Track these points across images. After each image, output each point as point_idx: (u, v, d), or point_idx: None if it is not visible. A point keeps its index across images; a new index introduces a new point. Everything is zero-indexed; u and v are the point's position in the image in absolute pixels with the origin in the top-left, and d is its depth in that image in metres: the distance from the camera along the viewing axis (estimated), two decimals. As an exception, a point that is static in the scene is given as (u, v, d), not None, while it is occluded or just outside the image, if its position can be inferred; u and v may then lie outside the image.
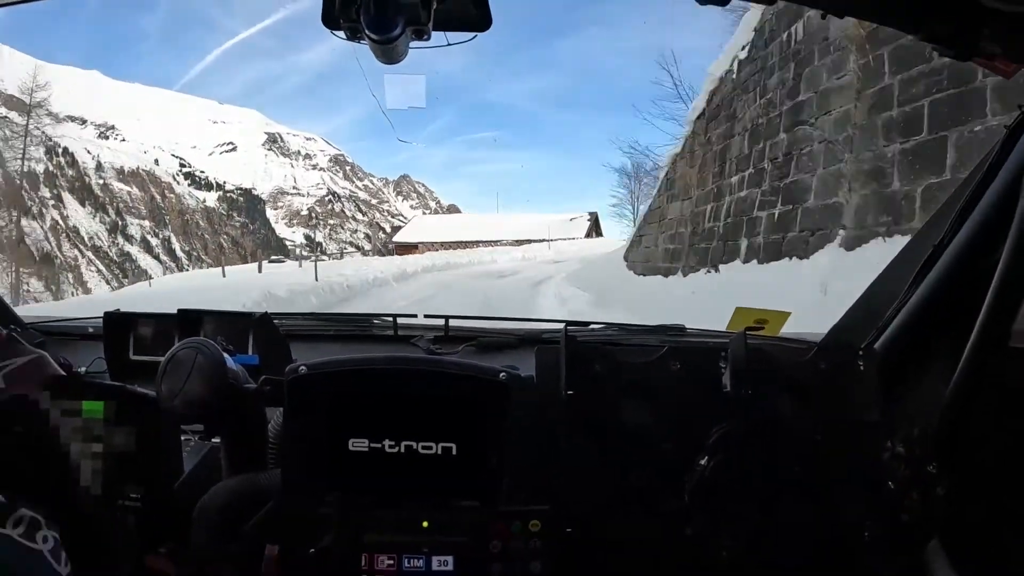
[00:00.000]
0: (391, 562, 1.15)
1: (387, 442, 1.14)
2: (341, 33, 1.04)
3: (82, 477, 1.19)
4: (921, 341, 1.42)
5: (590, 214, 61.90)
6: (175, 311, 1.66)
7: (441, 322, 1.85)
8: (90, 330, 1.79)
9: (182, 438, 1.29)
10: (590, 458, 1.23)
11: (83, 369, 1.25)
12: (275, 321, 1.66)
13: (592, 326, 1.78)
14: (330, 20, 1.03)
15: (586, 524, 1.22)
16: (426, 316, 1.88)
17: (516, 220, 60.73)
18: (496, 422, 1.16)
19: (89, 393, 1.22)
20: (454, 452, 1.15)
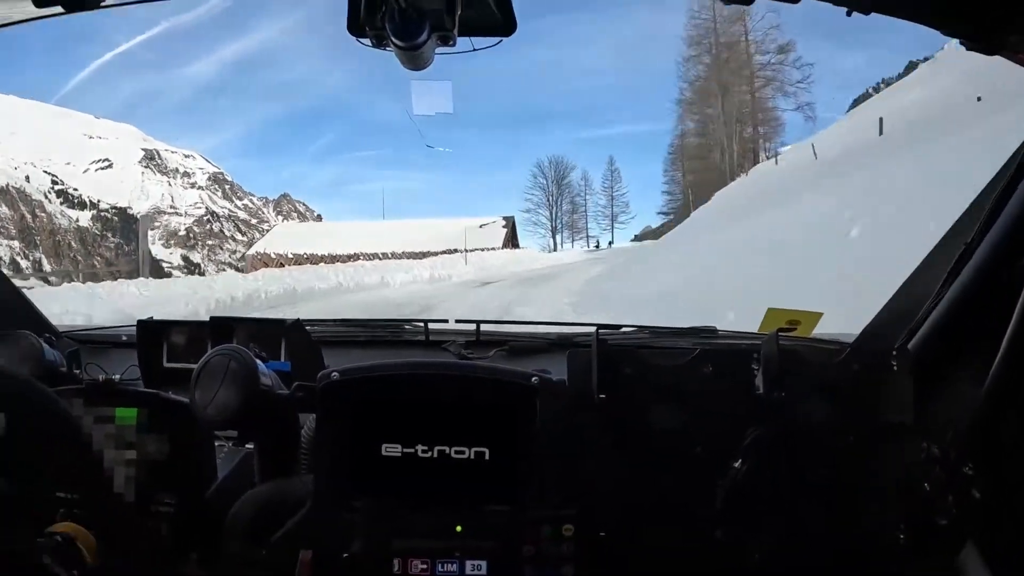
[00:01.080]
0: (424, 567, 1.15)
1: (420, 447, 1.15)
2: (367, 40, 1.05)
3: (115, 484, 1.21)
4: (955, 341, 1.40)
5: (505, 219, 50.86)
6: (207, 319, 1.68)
7: (472, 327, 1.85)
8: (124, 338, 1.81)
9: (216, 444, 1.30)
10: (622, 462, 1.23)
11: (117, 376, 1.26)
12: (307, 328, 1.68)
13: (624, 329, 1.78)
14: (355, 28, 1.04)
15: (618, 528, 1.21)
16: (457, 321, 1.88)
17: (413, 228, 47.73)
18: (528, 426, 1.17)
19: (122, 400, 1.23)
20: (487, 456, 1.15)
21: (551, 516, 1.17)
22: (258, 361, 1.17)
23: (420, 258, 30.09)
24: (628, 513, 1.22)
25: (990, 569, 1.31)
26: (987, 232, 1.33)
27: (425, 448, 1.15)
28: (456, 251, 33.04)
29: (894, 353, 1.35)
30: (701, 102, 51.11)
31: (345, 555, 1.14)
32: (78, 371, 1.51)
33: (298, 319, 1.64)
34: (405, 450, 1.15)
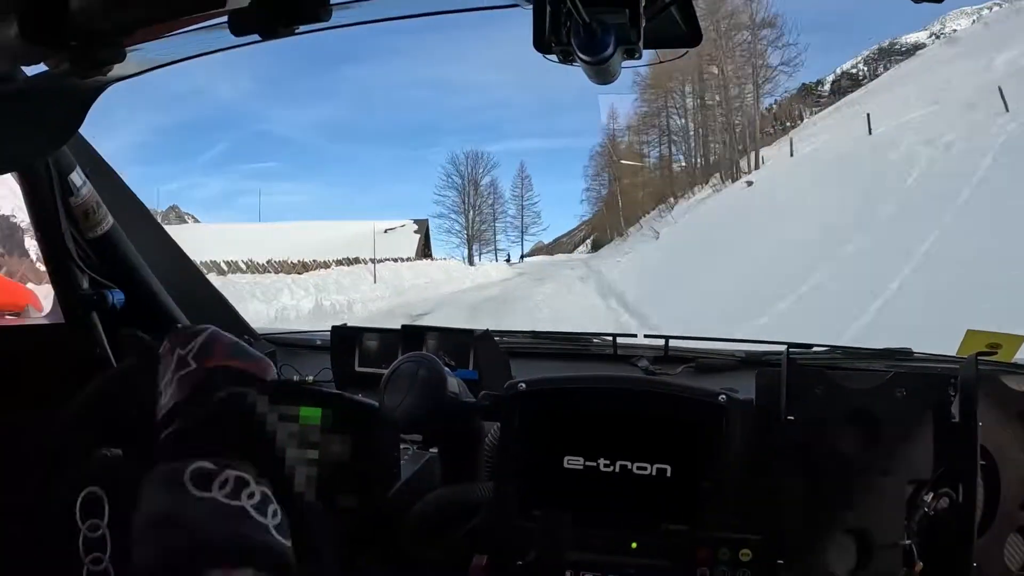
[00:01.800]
0: None
1: (602, 461, 1.16)
2: (554, 57, 1.06)
3: (296, 483, 1.27)
4: None
5: (417, 222, 40.74)
6: (399, 327, 1.77)
7: (661, 342, 1.84)
8: (318, 342, 1.93)
9: (401, 447, 1.36)
10: (807, 487, 1.18)
11: (311, 378, 1.35)
12: (495, 338, 1.74)
13: (815, 348, 1.72)
14: (541, 45, 1.05)
15: (799, 556, 1.17)
16: (646, 336, 1.88)
17: (294, 231, 34.91)
18: (713, 445, 1.15)
19: (307, 399, 1.30)
20: (668, 474, 1.15)
21: (729, 539, 1.15)
22: (446, 369, 1.21)
23: (300, 272, 19.91)
24: (810, 541, 1.17)
25: None
26: None
27: (607, 462, 1.15)
28: (358, 261, 23.05)
29: None
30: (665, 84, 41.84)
31: (519, 563, 1.16)
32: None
33: (487, 330, 1.69)
34: (587, 463, 1.16)
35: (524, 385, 1.19)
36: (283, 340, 1.93)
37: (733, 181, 31.41)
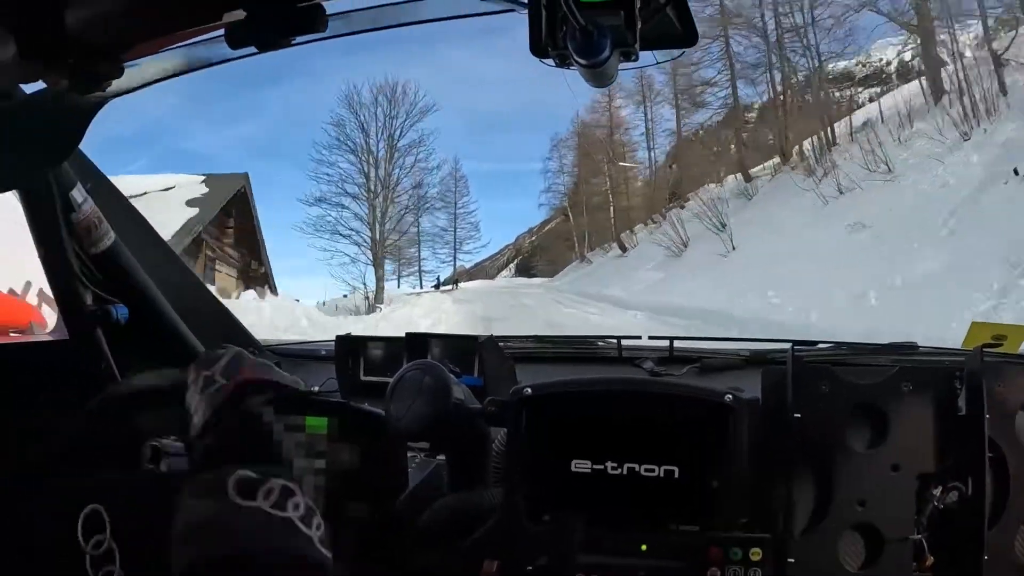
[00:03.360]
0: None
1: (609, 464, 1.15)
2: (550, 61, 1.06)
3: (304, 492, 1.27)
4: None
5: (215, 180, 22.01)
6: (403, 335, 1.77)
7: (665, 343, 1.84)
8: (323, 352, 1.93)
9: (408, 455, 1.36)
10: (815, 484, 1.18)
11: (316, 388, 1.34)
12: (500, 344, 1.74)
13: (820, 345, 1.72)
14: (538, 50, 1.05)
15: (810, 554, 1.16)
16: (651, 337, 1.88)
17: None
18: (721, 445, 1.15)
19: (314, 409, 1.30)
20: (676, 475, 1.14)
21: (740, 539, 1.15)
22: (451, 376, 1.21)
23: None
24: (821, 538, 1.17)
25: None
26: None
27: (615, 465, 1.15)
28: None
29: None
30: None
31: (529, 568, 1.16)
32: None
33: (491, 335, 1.70)
34: (595, 466, 1.16)
35: (530, 390, 1.18)
36: (287, 351, 1.94)
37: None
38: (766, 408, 1.22)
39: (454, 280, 37.28)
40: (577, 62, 0.99)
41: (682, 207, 27.83)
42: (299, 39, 1.19)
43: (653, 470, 1.14)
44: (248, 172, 21.69)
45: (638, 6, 0.98)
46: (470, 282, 38.87)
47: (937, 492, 1.18)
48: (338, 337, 1.78)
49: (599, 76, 1.06)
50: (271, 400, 1.30)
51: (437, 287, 35.79)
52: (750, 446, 1.16)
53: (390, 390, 1.20)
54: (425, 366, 1.21)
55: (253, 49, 1.18)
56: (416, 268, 38.05)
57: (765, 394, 1.23)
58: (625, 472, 1.15)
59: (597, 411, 1.18)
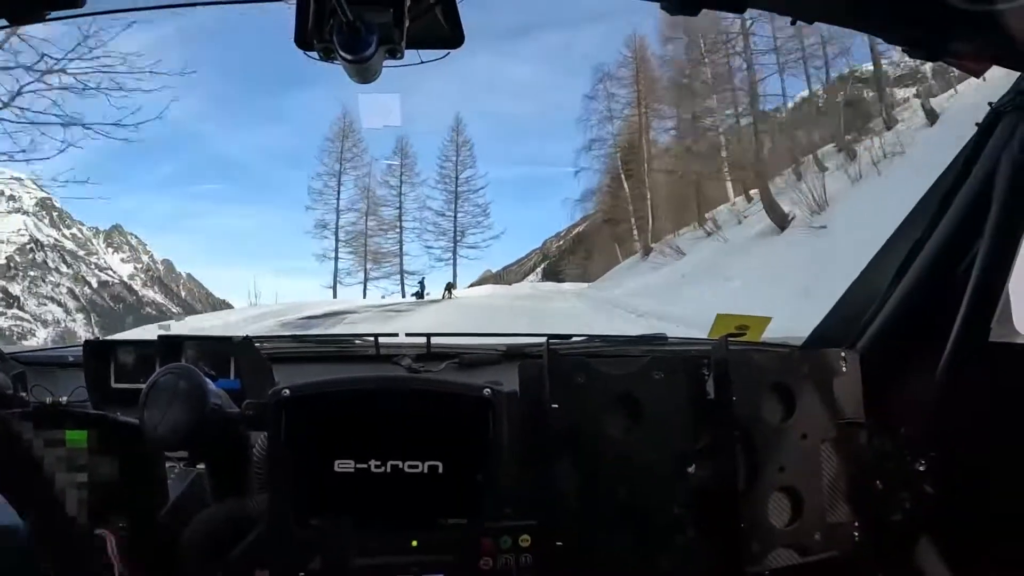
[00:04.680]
0: None
1: (373, 462, 1.14)
2: (314, 54, 1.05)
3: (67, 506, 1.18)
4: (903, 339, 1.43)
5: None
6: (155, 337, 1.65)
7: (423, 340, 1.85)
8: (70, 359, 1.77)
9: (167, 465, 1.28)
10: (578, 470, 1.23)
11: (65, 399, 1.23)
12: (256, 344, 1.67)
13: (574, 339, 1.79)
14: (303, 41, 1.03)
15: (576, 537, 1.21)
16: (407, 335, 1.88)
17: None
18: (482, 438, 1.17)
19: (72, 422, 1.20)
20: (440, 470, 1.15)
21: (508, 527, 1.18)
22: (207, 380, 1.15)
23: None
24: (585, 521, 1.22)
25: (946, 563, 1.34)
26: (933, 232, 1.37)
27: (378, 463, 1.14)
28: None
29: (843, 354, 1.38)
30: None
31: (301, 574, 1.13)
32: (24, 393, 1.47)
33: (247, 336, 1.63)
34: (358, 466, 1.14)
35: (288, 391, 1.15)
36: (32, 359, 1.77)
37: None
38: (525, 401, 1.26)
39: (448, 288, 26.90)
40: (342, 56, 0.98)
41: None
42: (54, 14, 1.11)
43: (417, 466, 1.14)
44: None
45: (407, 5, 0.99)
46: (479, 288, 30.04)
47: (692, 470, 1.27)
48: (86, 342, 1.65)
49: (363, 72, 1.05)
50: (25, 414, 1.19)
51: (419, 295, 26.96)
52: (511, 438, 1.19)
53: (143, 397, 1.12)
54: (179, 370, 1.14)
55: (4, 22, 1.09)
56: (399, 268, 30.29)
57: (523, 387, 1.27)
58: (389, 470, 1.14)
59: (357, 410, 1.16)
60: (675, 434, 1.26)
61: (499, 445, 1.17)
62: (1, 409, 1.15)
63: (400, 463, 1.14)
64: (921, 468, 1.35)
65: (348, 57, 0.98)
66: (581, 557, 1.22)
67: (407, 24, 1.01)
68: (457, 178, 31.82)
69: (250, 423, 1.17)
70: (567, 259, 38.53)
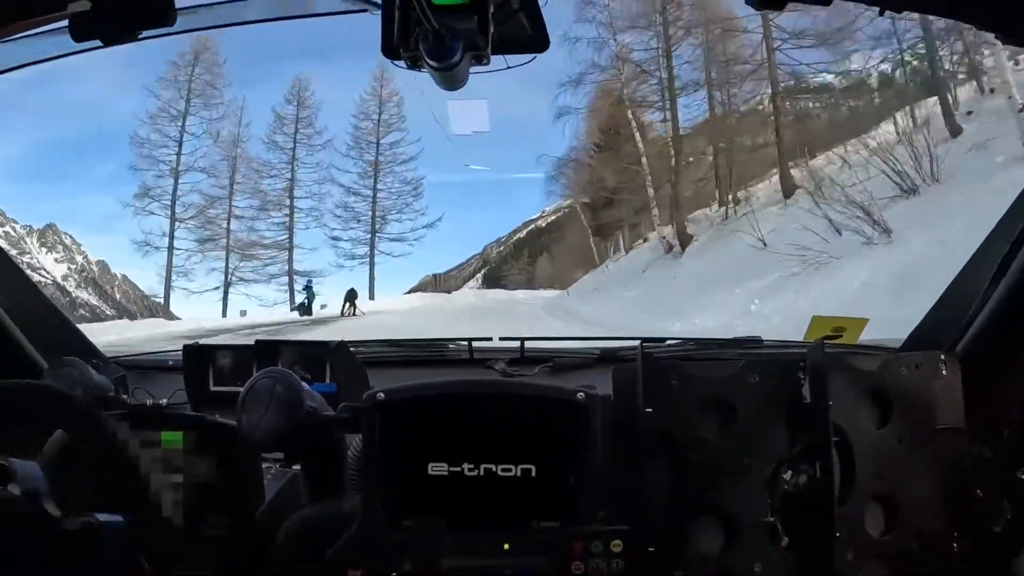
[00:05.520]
0: None
1: (466, 465, 1.15)
2: (401, 63, 1.06)
3: (163, 508, 1.22)
4: (1005, 341, 1.37)
5: None
6: (253, 342, 1.71)
7: (516, 344, 1.86)
8: (170, 363, 1.84)
9: (263, 466, 1.32)
10: (670, 475, 1.22)
11: (164, 401, 1.28)
12: (352, 349, 1.70)
13: (668, 342, 1.77)
14: (389, 51, 1.05)
15: (669, 542, 1.20)
16: (501, 339, 1.89)
17: None
18: (575, 442, 1.17)
19: (168, 424, 1.24)
20: (533, 473, 1.15)
21: (600, 532, 1.17)
22: (303, 383, 1.18)
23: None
24: (679, 527, 1.21)
25: None
26: None
27: (471, 466, 1.15)
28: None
29: (942, 357, 1.33)
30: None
31: (393, 574, 1.15)
32: (126, 396, 1.53)
33: (343, 340, 1.66)
34: (452, 469, 1.15)
35: (383, 395, 1.16)
36: (134, 363, 1.84)
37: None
38: (618, 404, 1.24)
39: (350, 299, 20.51)
40: (429, 65, 0.99)
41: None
42: (146, 33, 1.15)
43: (510, 469, 1.15)
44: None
45: (491, 10, 1.00)
46: (409, 297, 23.87)
47: (787, 476, 1.24)
48: (185, 347, 1.71)
49: (450, 79, 1.06)
50: (124, 416, 1.24)
51: (305, 308, 21.03)
52: (604, 442, 1.18)
53: (241, 400, 1.16)
54: (276, 374, 1.17)
55: (98, 43, 1.13)
56: (282, 267, 21.58)
57: (616, 391, 1.26)
58: (482, 473, 1.15)
59: (451, 413, 1.17)
60: (770, 439, 1.24)
61: (592, 449, 1.17)
62: (101, 411, 1.20)
63: (493, 466, 1.15)
64: (1023, 477, 1.30)
65: (435, 65, 0.99)
66: (672, 563, 1.20)
67: (492, 30, 1.01)
68: (379, 143, 22.62)
69: (345, 426, 1.20)
70: (509, 264, 35.46)
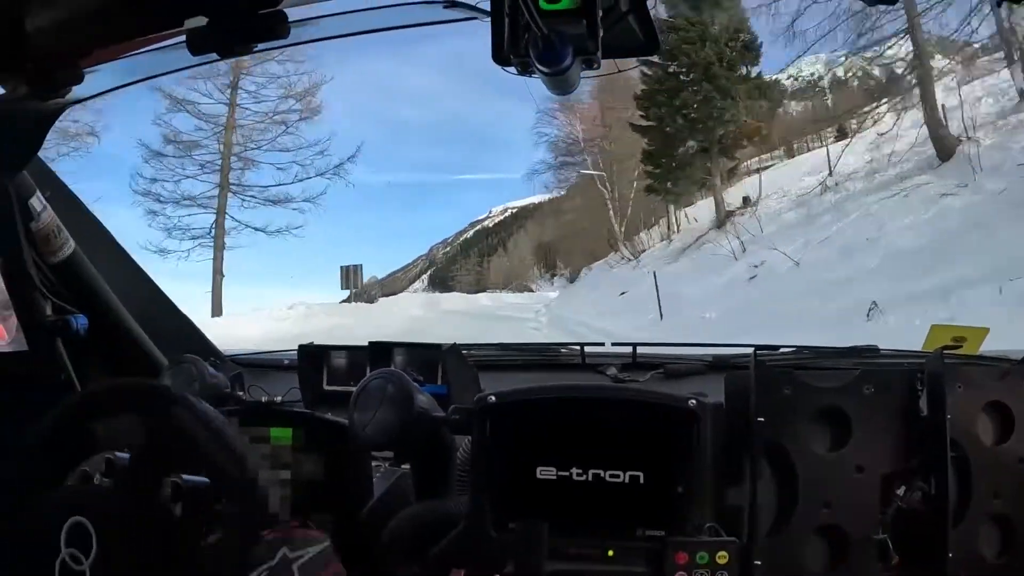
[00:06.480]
0: None
1: (575, 470, 1.15)
2: (512, 69, 1.07)
3: (270, 503, 1.26)
4: None
5: None
6: (366, 343, 1.76)
7: (628, 350, 1.85)
8: (285, 362, 1.92)
9: (372, 464, 1.35)
10: (779, 487, 1.19)
11: (279, 398, 1.34)
12: (463, 352, 1.73)
13: (782, 349, 1.74)
14: (500, 57, 1.05)
15: (776, 556, 1.17)
16: (614, 344, 1.89)
17: None
18: (684, 450, 1.15)
19: (278, 420, 1.29)
20: (641, 480, 1.14)
21: (706, 543, 1.15)
22: (415, 384, 1.20)
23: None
24: (787, 541, 1.17)
25: None
26: None
27: (580, 471, 1.15)
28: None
29: None
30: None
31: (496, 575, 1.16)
32: (241, 393, 1.60)
33: (455, 343, 1.69)
34: (560, 473, 1.15)
35: (494, 398, 1.18)
36: (249, 361, 1.92)
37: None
38: (730, 413, 1.22)
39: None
40: (539, 70, 1.00)
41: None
42: (260, 46, 1.19)
43: (618, 476, 1.14)
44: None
45: (600, 14, 0.99)
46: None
47: (901, 492, 1.19)
48: (300, 347, 1.77)
49: (561, 84, 1.07)
50: (235, 411, 1.30)
51: None
52: (714, 451, 1.17)
53: (353, 399, 1.19)
54: (388, 375, 1.20)
55: (215, 56, 1.18)
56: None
57: (728, 399, 1.24)
58: (590, 478, 1.15)
59: (561, 418, 1.18)
60: (884, 453, 1.19)
61: (702, 458, 1.15)
62: (217, 407, 1.25)
63: (602, 472, 1.15)
64: None
65: (545, 70, 0.99)
66: None
67: (601, 33, 1.01)
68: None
69: (455, 427, 1.22)
70: (459, 264, 33.73)
